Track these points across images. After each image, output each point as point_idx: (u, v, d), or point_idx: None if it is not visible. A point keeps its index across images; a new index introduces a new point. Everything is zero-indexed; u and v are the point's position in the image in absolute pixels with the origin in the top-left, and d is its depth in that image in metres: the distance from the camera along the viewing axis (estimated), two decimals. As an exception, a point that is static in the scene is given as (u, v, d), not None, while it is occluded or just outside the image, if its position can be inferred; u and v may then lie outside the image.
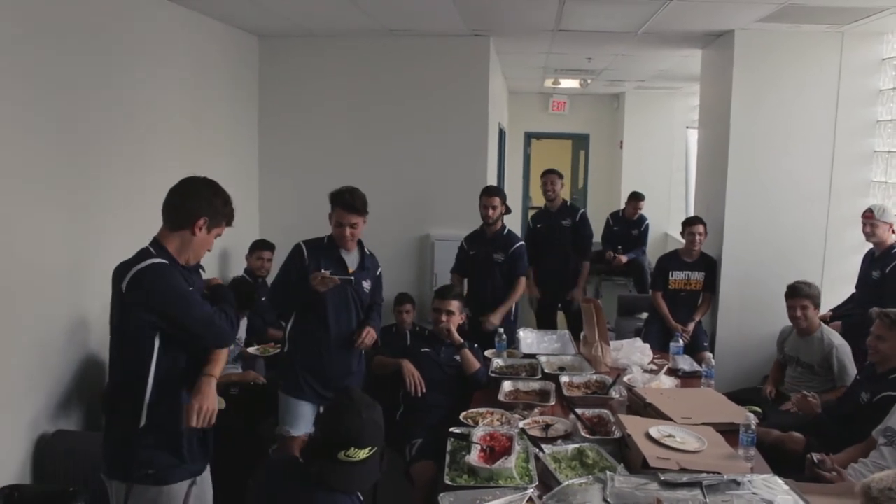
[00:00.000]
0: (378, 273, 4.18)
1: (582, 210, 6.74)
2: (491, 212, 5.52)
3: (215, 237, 2.71)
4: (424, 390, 4.18)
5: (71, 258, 4.00)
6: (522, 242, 5.72)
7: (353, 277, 3.93)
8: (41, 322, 3.77)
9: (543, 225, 6.58)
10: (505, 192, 5.79)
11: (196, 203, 2.62)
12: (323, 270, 3.78)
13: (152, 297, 2.53)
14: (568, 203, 6.67)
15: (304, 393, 3.96)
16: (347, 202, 3.87)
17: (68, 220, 3.98)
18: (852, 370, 4.47)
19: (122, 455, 2.62)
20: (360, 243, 4.08)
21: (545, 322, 6.31)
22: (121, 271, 2.58)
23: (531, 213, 6.82)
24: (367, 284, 4.05)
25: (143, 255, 2.59)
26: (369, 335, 3.95)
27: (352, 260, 4.02)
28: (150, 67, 4.79)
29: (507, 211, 5.70)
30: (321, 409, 3.93)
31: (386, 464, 2.40)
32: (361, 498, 2.40)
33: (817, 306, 4.71)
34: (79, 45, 4.04)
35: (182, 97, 5.26)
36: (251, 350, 5.08)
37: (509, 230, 5.71)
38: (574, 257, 6.47)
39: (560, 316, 6.63)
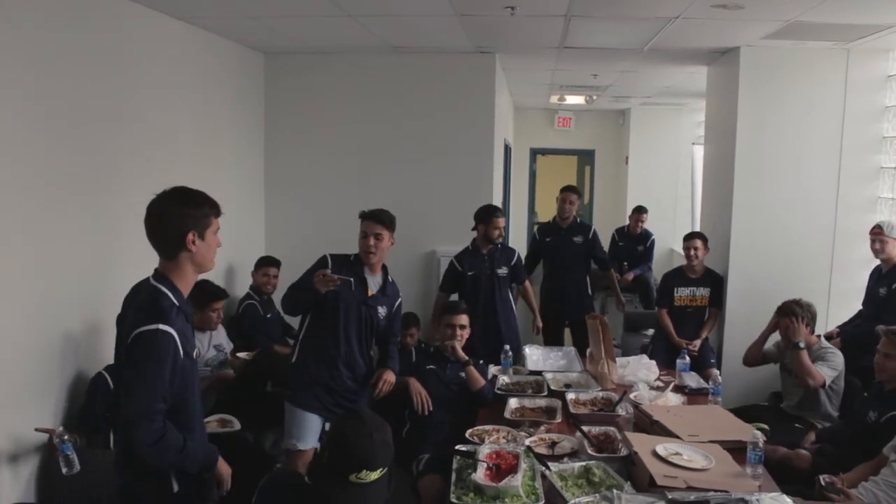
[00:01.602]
0: (398, 303, 4.16)
1: (594, 228, 6.70)
2: (499, 232, 5.58)
3: (216, 233, 2.62)
4: (431, 408, 4.17)
5: (82, 274, 4.03)
6: (517, 252, 5.85)
7: (353, 293, 3.90)
8: (44, 335, 3.79)
9: (552, 239, 6.53)
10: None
11: (172, 224, 2.51)
12: (329, 271, 3.74)
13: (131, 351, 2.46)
14: (578, 220, 6.61)
15: (312, 405, 3.94)
16: (374, 213, 3.94)
17: (76, 238, 4.01)
18: (830, 369, 4.48)
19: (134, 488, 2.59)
20: (384, 269, 4.08)
21: (552, 339, 6.28)
22: (129, 326, 2.48)
23: (535, 227, 6.81)
24: (382, 311, 4.03)
25: (150, 304, 2.49)
26: (387, 383, 3.98)
27: (374, 282, 4.01)
28: (156, 84, 4.83)
29: None
30: (327, 425, 3.94)
31: (394, 482, 2.38)
32: None
33: (809, 324, 4.68)
34: (86, 63, 4.08)
35: (189, 114, 5.30)
36: (241, 355, 5.06)
37: (501, 243, 5.73)
38: (583, 275, 6.48)
39: (566, 333, 6.60)
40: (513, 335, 5.55)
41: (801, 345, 4.51)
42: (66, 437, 3.41)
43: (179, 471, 2.54)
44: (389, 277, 4.09)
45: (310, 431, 3.94)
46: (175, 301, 2.50)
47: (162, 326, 2.42)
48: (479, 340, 5.20)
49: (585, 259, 6.49)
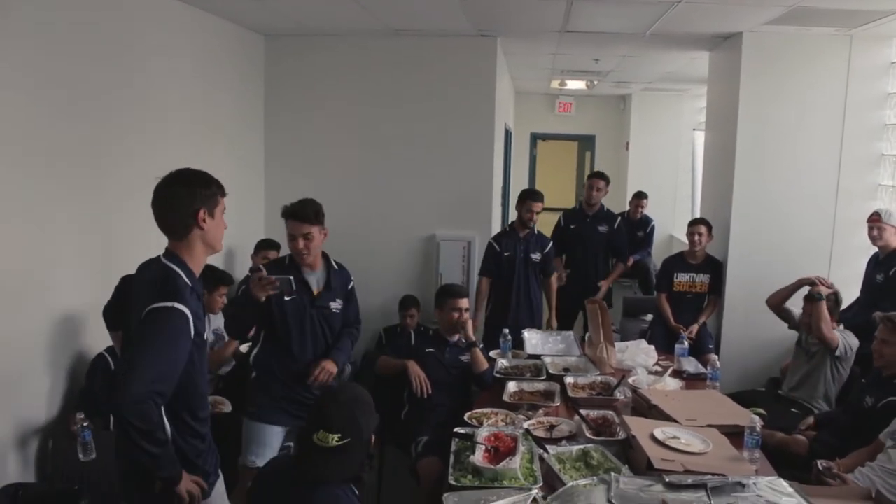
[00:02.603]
0: (350, 287, 3.89)
1: (619, 219, 6.64)
2: (535, 216, 5.64)
3: (223, 213, 2.61)
4: (430, 391, 4.17)
5: (79, 252, 4.03)
6: (552, 242, 5.87)
7: (297, 299, 3.64)
8: (47, 318, 3.79)
9: (577, 226, 6.48)
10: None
11: (183, 203, 2.50)
12: (261, 272, 3.46)
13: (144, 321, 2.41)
14: (605, 209, 6.55)
15: (273, 417, 3.71)
16: (297, 211, 3.60)
17: (76, 215, 4.01)
18: (845, 342, 4.50)
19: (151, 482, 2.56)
20: (326, 258, 3.81)
21: (565, 326, 6.23)
22: (142, 302, 2.43)
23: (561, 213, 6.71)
24: (336, 305, 3.77)
25: (164, 282, 2.46)
26: (323, 371, 3.66)
27: (316, 280, 3.74)
28: (157, 66, 4.81)
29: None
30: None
31: (366, 468, 2.37)
32: (357, 492, 2.39)
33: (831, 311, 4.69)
34: (87, 45, 4.06)
35: (189, 96, 5.28)
36: (243, 348, 5.04)
37: (539, 230, 5.82)
38: (604, 265, 6.46)
39: (578, 321, 6.55)
40: (538, 321, 5.66)
41: (822, 296, 4.55)
42: (85, 424, 3.42)
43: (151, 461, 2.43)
44: (334, 264, 3.81)
45: (270, 448, 3.70)
46: (188, 281, 2.50)
47: (178, 305, 2.40)
48: (515, 320, 5.37)
49: (608, 249, 6.48)
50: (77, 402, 3.90)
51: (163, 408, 2.43)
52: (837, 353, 4.49)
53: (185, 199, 2.50)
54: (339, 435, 2.26)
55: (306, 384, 3.67)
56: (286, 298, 3.59)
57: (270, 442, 3.72)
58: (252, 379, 3.79)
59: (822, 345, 4.53)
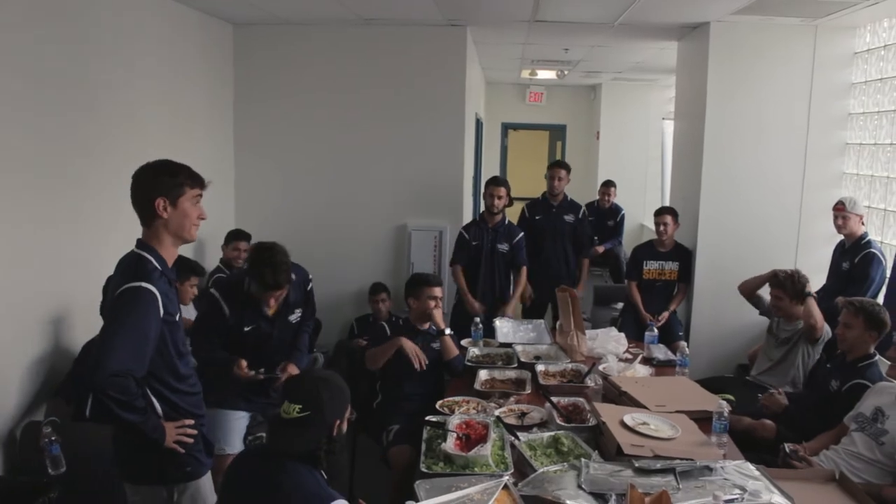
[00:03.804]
0: (309, 288, 3.95)
1: (584, 207, 6.57)
2: (497, 201, 5.62)
3: (195, 203, 2.63)
4: (427, 362, 4.15)
5: (45, 245, 3.97)
6: (523, 233, 5.84)
7: (257, 325, 3.68)
8: (17, 311, 3.74)
9: (543, 217, 6.37)
10: (509, 184, 5.78)
11: (144, 190, 2.56)
12: (245, 369, 3.56)
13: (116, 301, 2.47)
14: (569, 199, 6.46)
15: (234, 402, 3.74)
16: (277, 283, 3.56)
17: (41, 208, 3.95)
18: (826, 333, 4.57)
19: (157, 462, 2.63)
20: None
21: (536, 318, 6.22)
22: (113, 288, 2.52)
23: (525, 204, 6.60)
24: (294, 316, 3.85)
25: (134, 266, 2.52)
26: (287, 374, 3.67)
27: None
28: (124, 56, 4.75)
29: (510, 203, 5.74)
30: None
31: (324, 451, 2.36)
32: (325, 477, 2.39)
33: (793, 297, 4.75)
34: (50, 34, 3.99)
35: (157, 86, 5.21)
36: None
37: (509, 221, 5.81)
38: (572, 255, 6.36)
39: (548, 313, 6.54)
40: (502, 311, 5.58)
41: (813, 293, 4.66)
42: (53, 439, 3.40)
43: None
44: (291, 276, 3.69)
45: (236, 434, 3.75)
46: (158, 266, 2.56)
47: (145, 284, 2.46)
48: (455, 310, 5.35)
49: (575, 239, 6.39)
50: (59, 388, 3.93)
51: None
52: (820, 341, 4.57)
53: (146, 186, 2.56)
54: (300, 406, 2.30)
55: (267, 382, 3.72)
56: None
57: (235, 426, 3.77)
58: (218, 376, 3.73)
59: (805, 332, 4.60)
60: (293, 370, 3.72)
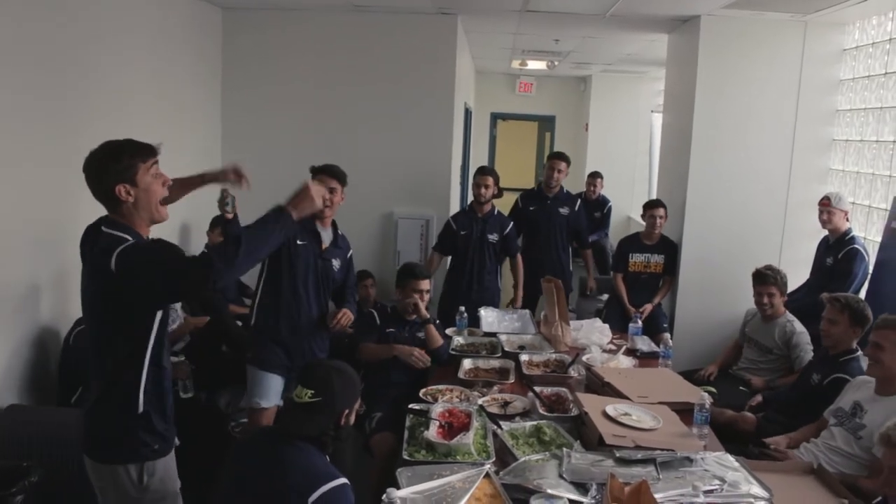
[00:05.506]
0: (349, 255, 4.24)
1: (580, 200, 6.56)
2: (484, 191, 5.58)
3: (152, 177, 2.52)
4: (429, 360, 4.17)
5: (24, 226, 3.92)
6: (513, 223, 5.82)
7: (308, 247, 3.96)
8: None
9: (537, 209, 6.32)
10: (498, 174, 5.75)
11: (100, 185, 2.46)
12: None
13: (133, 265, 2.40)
14: (566, 191, 6.44)
15: (272, 365, 3.95)
16: (328, 168, 4.00)
17: (28, 191, 3.91)
18: (808, 357, 4.54)
19: (125, 441, 2.53)
20: (334, 224, 4.14)
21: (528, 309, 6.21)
22: (103, 252, 2.40)
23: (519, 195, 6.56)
24: (336, 263, 4.09)
25: (115, 235, 2.45)
26: (345, 316, 3.96)
27: (326, 236, 4.06)
28: (110, 39, 4.68)
29: (499, 193, 5.69)
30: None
31: (329, 438, 2.40)
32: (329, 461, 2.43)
33: (783, 293, 4.77)
34: (36, 18, 3.93)
35: (143, 69, 5.15)
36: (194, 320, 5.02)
37: (499, 211, 5.77)
38: (565, 248, 6.34)
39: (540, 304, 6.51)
40: (489, 302, 5.50)
41: None
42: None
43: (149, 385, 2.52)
44: (339, 231, 4.17)
45: (272, 390, 3.95)
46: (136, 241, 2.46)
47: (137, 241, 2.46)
48: (466, 300, 5.30)
49: (569, 232, 6.37)
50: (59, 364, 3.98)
51: (153, 361, 2.52)
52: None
53: (98, 180, 2.46)
54: (312, 392, 2.35)
55: (299, 334, 3.95)
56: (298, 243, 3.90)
57: (272, 386, 3.96)
58: (252, 325, 4.06)
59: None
60: (350, 313, 3.99)
